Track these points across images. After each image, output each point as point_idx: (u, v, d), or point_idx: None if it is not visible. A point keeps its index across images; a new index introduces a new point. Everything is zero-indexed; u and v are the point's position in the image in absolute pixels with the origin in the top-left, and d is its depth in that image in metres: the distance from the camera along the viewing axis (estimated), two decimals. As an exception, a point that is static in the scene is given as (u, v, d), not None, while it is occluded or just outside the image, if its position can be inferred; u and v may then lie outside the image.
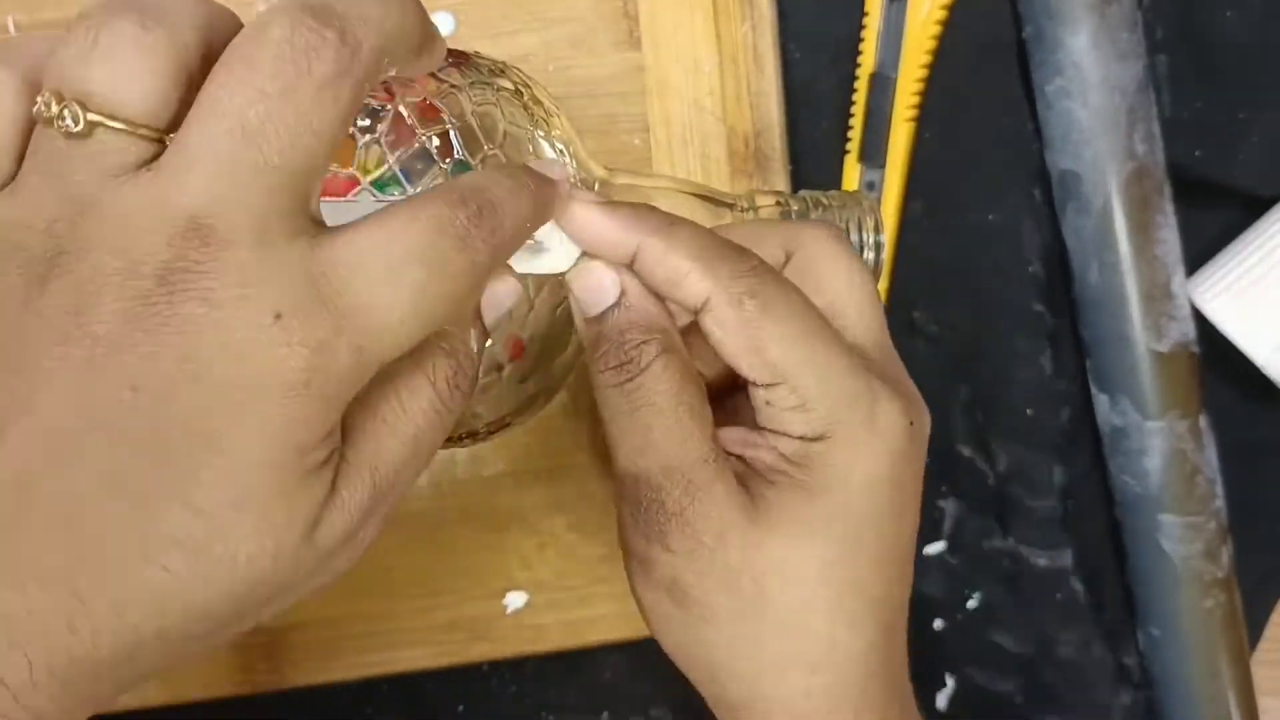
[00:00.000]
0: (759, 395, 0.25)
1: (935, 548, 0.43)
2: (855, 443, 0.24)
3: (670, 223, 0.25)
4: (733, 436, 0.26)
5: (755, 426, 0.26)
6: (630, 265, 0.25)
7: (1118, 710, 0.44)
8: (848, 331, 0.26)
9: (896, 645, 0.26)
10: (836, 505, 0.24)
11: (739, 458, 0.26)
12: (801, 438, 0.24)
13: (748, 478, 0.25)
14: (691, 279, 0.24)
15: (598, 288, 0.25)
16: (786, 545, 0.24)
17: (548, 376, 0.30)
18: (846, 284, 0.27)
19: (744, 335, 0.24)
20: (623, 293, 0.25)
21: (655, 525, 0.25)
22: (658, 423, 0.24)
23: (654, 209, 0.25)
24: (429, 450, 0.22)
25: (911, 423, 0.25)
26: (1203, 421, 0.41)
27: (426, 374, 0.21)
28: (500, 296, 0.23)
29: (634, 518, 0.25)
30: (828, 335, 0.25)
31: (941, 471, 0.43)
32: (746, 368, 0.24)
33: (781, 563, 0.24)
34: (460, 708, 0.41)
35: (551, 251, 0.27)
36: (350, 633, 0.38)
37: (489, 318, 0.23)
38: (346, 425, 0.20)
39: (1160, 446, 0.41)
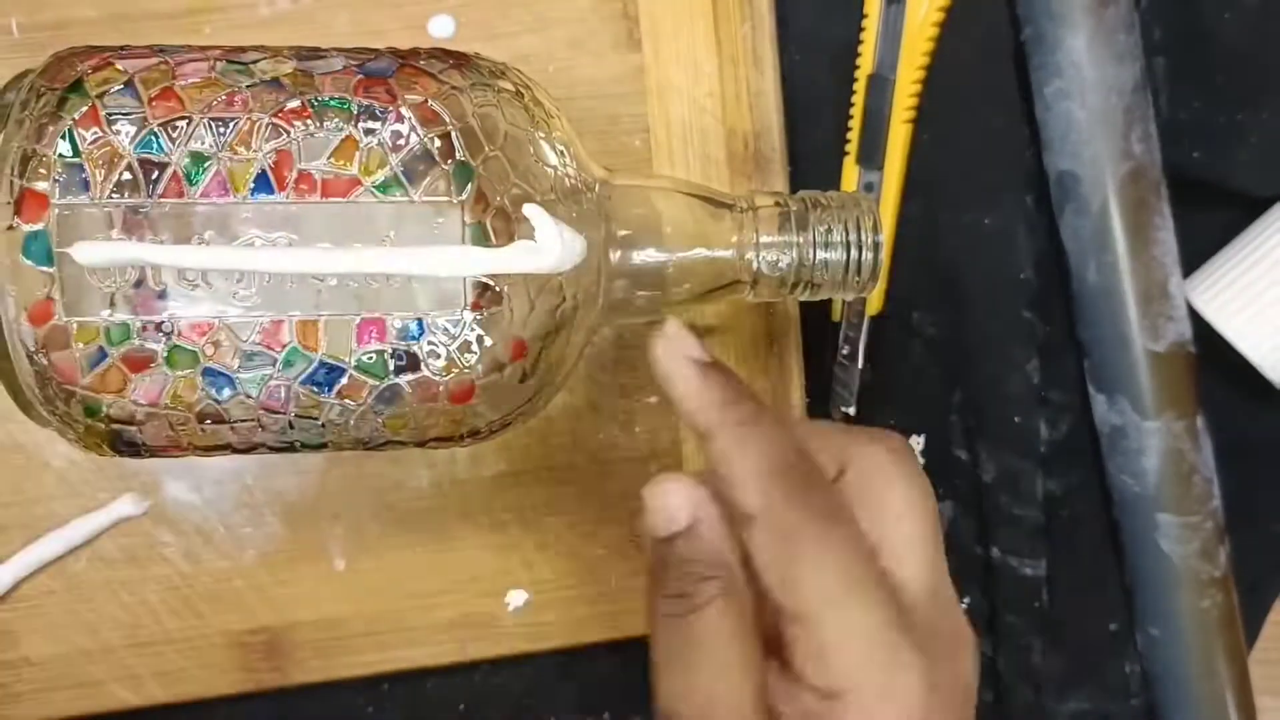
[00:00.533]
0: (787, 628, 0.24)
1: None
2: (864, 710, 0.23)
3: (753, 419, 0.25)
4: (773, 685, 0.25)
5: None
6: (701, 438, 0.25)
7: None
8: (897, 570, 0.25)
9: None
10: None
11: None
12: (814, 690, 0.24)
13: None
14: (748, 491, 0.24)
15: (670, 511, 0.25)
16: None
17: (548, 376, 0.30)
18: (901, 516, 0.25)
19: (778, 567, 0.24)
20: (695, 520, 0.25)
21: None
22: (704, 668, 0.24)
23: (746, 390, 0.26)
24: None
25: (936, 686, 0.24)
26: (1200, 421, 0.41)
27: None
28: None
29: None
30: (863, 585, 0.24)
31: (937, 473, 0.43)
32: (774, 594, 0.24)
33: None
34: (461, 706, 0.41)
35: (551, 253, 0.27)
36: (351, 631, 0.38)
37: None
38: None
39: (1157, 446, 0.41)
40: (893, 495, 0.26)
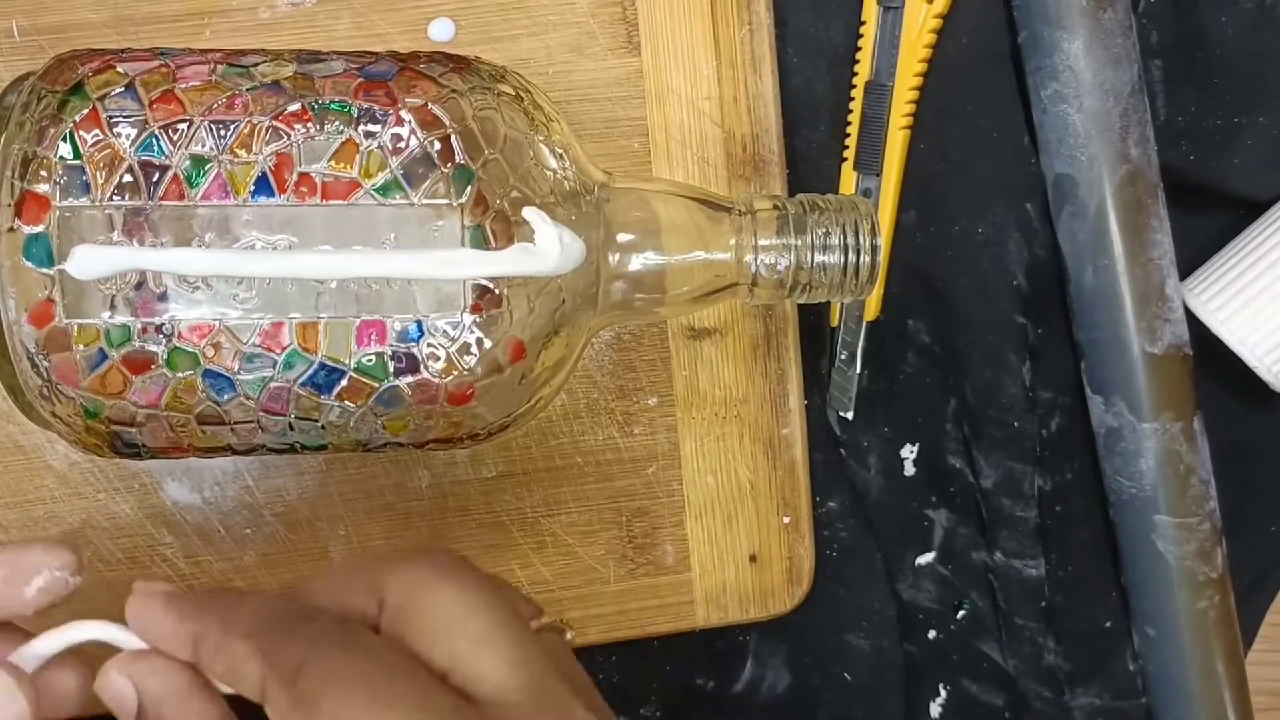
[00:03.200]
0: None
1: (926, 558, 0.44)
2: None
3: (236, 603, 0.23)
4: None
5: None
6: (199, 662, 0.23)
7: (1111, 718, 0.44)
8: (480, 684, 0.22)
9: None
10: None
11: None
12: None
13: None
14: (248, 664, 0.22)
15: (118, 697, 0.23)
16: None
17: (547, 378, 0.31)
18: (457, 621, 0.22)
19: (297, 717, 0.21)
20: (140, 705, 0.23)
21: None
22: None
23: (230, 592, 0.24)
24: None
25: None
26: (1196, 423, 0.41)
27: None
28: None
29: None
30: (398, 707, 0.20)
31: (931, 482, 0.43)
32: None
33: None
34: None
35: (550, 256, 0.27)
36: (351, 632, 0.38)
37: None
38: None
39: (1154, 448, 0.41)
40: (442, 605, 0.22)
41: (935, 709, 0.44)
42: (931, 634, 0.44)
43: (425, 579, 0.23)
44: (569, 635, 0.24)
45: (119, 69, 0.27)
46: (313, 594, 0.24)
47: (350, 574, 0.24)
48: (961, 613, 0.44)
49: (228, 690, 0.23)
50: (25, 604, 0.24)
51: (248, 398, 0.28)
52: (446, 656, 0.22)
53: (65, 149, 0.26)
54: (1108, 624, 0.44)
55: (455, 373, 0.28)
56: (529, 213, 0.27)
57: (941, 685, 0.44)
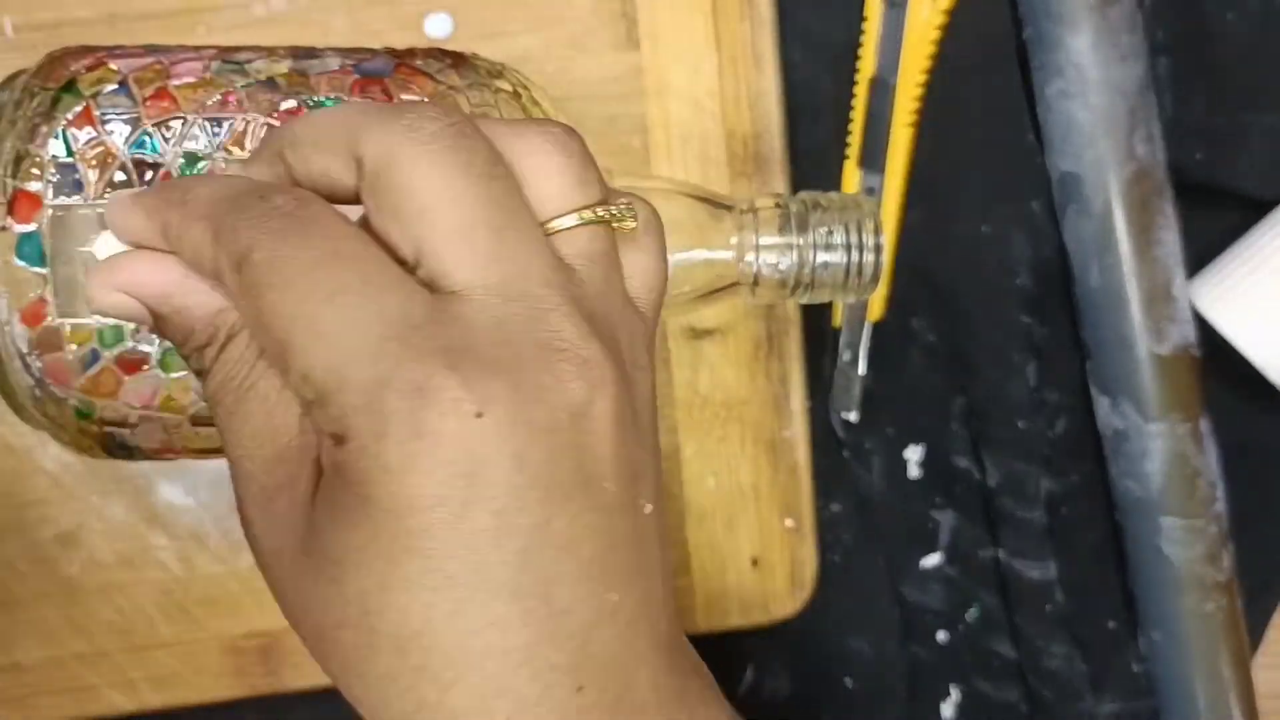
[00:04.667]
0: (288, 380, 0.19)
1: (933, 560, 0.43)
2: (386, 458, 0.18)
3: (197, 183, 0.20)
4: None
5: None
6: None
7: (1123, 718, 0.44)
8: (445, 278, 0.19)
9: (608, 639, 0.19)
10: (388, 543, 0.18)
11: None
12: (328, 434, 0.19)
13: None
14: (204, 248, 0.19)
15: (124, 312, 0.21)
16: (334, 584, 0.19)
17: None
18: (429, 208, 0.19)
19: (246, 308, 0.19)
20: (151, 309, 0.21)
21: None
22: (230, 421, 0.20)
23: (198, 177, 0.22)
24: None
25: (483, 415, 0.18)
26: (1203, 424, 0.41)
27: None
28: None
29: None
30: (351, 298, 0.18)
31: (937, 483, 0.43)
32: (259, 340, 0.20)
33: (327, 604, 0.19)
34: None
35: None
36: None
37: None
38: None
39: (1161, 449, 0.40)
40: (420, 185, 0.19)
41: (948, 709, 0.44)
42: (941, 635, 0.44)
43: (409, 146, 0.19)
44: (630, 225, 0.21)
45: (112, 66, 0.27)
46: (284, 143, 0.21)
47: (329, 125, 0.20)
48: (970, 611, 0.43)
49: None
50: None
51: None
52: (413, 246, 0.19)
53: (58, 147, 0.26)
54: (1112, 626, 0.44)
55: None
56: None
57: (953, 686, 0.44)
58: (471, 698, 0.18)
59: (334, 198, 0.20)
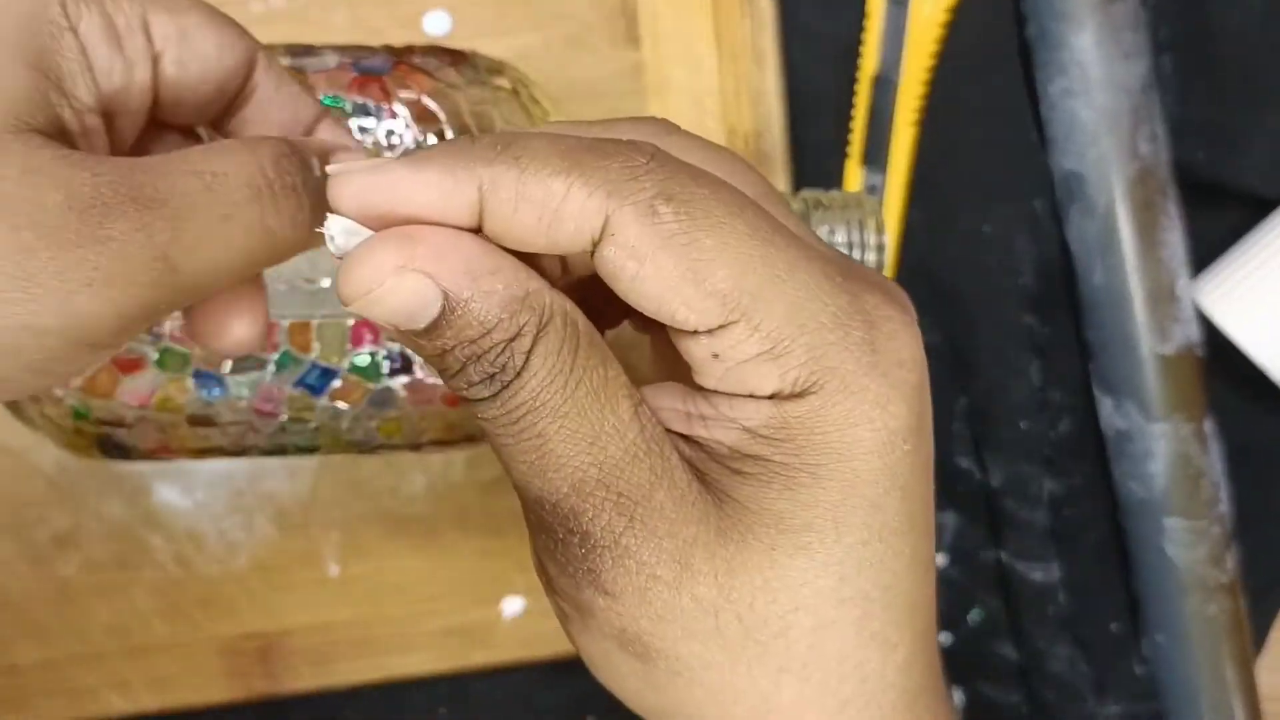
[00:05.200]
0: (700, 348, 0.17)
1: (935, 562, 0.43)
2: (855, 392, 0.17)
3: (512, 139, 0.17)
4: (671, 407, 0.19)
5: (697, 389, 0.18)
6: (479, 228, 0.17)
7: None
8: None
9: (932, 650, 0.20)
10: (842, 492, 0.17)
11: (684, 438, 0.18)
12: (775, 396, 0.17)
13: (703, 467, 0.18)
14: (575, 199, 0.16)
15: (410, 303, 0.17)
16: (778, 562, 0.17)
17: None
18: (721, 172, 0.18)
19: (672, 260, 0.16)
20: (447, 294, 0.16)
21: (582, 564, 0.18)
22: (554, 427, 0.17)
23: (475, 138, 0.18)
24: (228, 197, 0.17)
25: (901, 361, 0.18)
26: (1207, 425, 0.41)
27: (250, 144, 0.18)
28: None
29: (551, 553, 0.18)
30: (785, 237, 0.17)
31: (939, 484, 0.43)
32: (683, 309, 0.17)
33: (775, 586, 0.17)
34: (442, 710, 0.40)
35: None
36: (346, 638, 0.38)
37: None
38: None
39: (1164, 450, 0.40)
40: (706, 157, 0.18)
41: (949, 712, 0.44)
42: (943, 637, 0.43)
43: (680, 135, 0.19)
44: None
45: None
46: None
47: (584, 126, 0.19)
48: (972, 613, 0.43)
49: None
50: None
51: (239, 398, 0.27)
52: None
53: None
54: (1115, 628, 0.44)
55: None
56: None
57: (955, 688, 0.44)
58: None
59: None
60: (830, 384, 0.17)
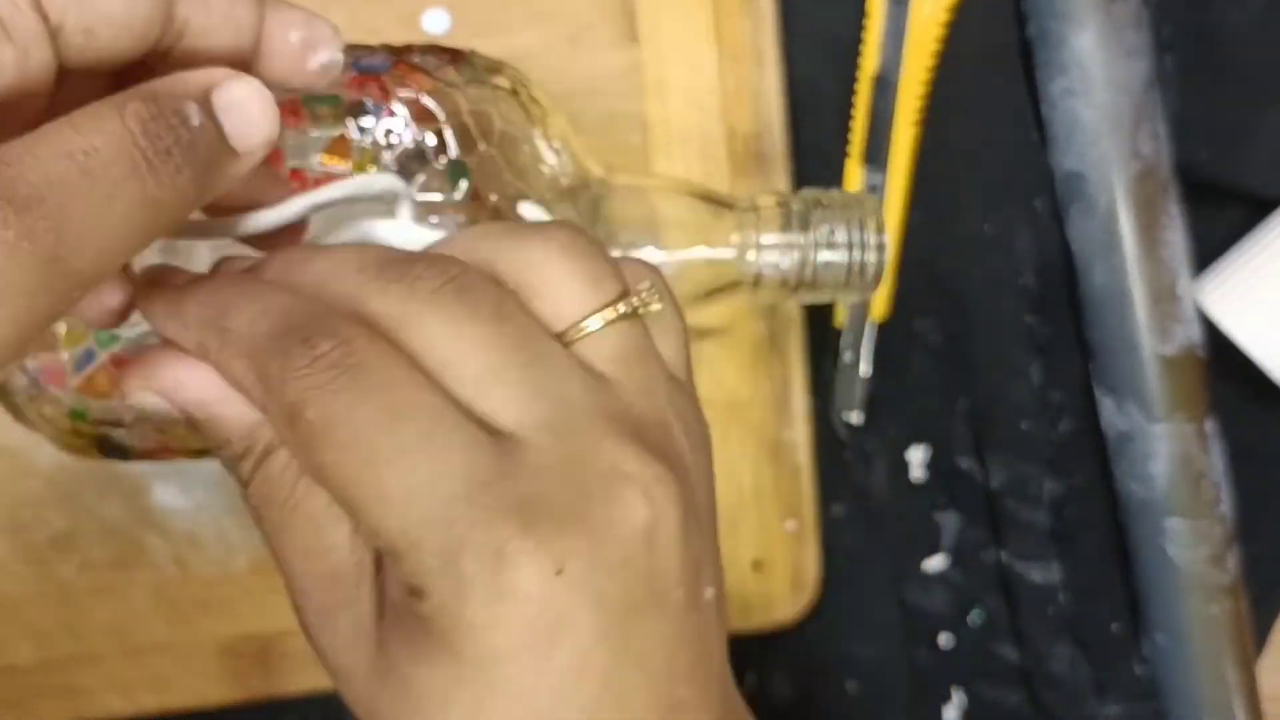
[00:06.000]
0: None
1: (936, 562, 0.43)
2: (469, 617, 0.18)
3: (240, 299, 0.19)
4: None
5: None
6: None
7: None
8: (491, 411, 0.19)
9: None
10: (469, 684, 0.18)
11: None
12: (404, 586, 0.19)
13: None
14: (249, 388, 0.19)
15: (156, 408, 0.20)
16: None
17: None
18: (457, 360, 0.19)
19: (301, 458, 0.19)
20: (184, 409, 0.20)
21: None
22: (277, 536, 0.20)
23: (247, 279, 0.20)
24: (106, 177, 0.17)
25: (562, 571, 0.18)
26: (1209, 425, 0.41)
27: (113, 104, 0.17)
28: (239, 97, 0.19)
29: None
30: (418, 455, 0.18)
31: (940, 484, 0.43)
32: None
33: None
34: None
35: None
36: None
37: (230, 120, 0.19)
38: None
39: (1166, 450, 0.40)
40: (430, 336, 0.19)
41: (950, 713, 0.44)
42: (943, 638, 0.43)
43: (412, 307, 0.19)
44: (655, 307, 0.21)
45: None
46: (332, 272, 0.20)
47: (333, 295, 0.20)
48: (973, 614, 0.43)
49: None
50: (307, 76, 0.20)
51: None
52: (458, 388, 0.19)
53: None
54: (1116, 628, 0.44)
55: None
56: (525, 208, 0.27)
57: (955, 690, 0.44)
58: None
59: None
60: (438, 598, 0.18)
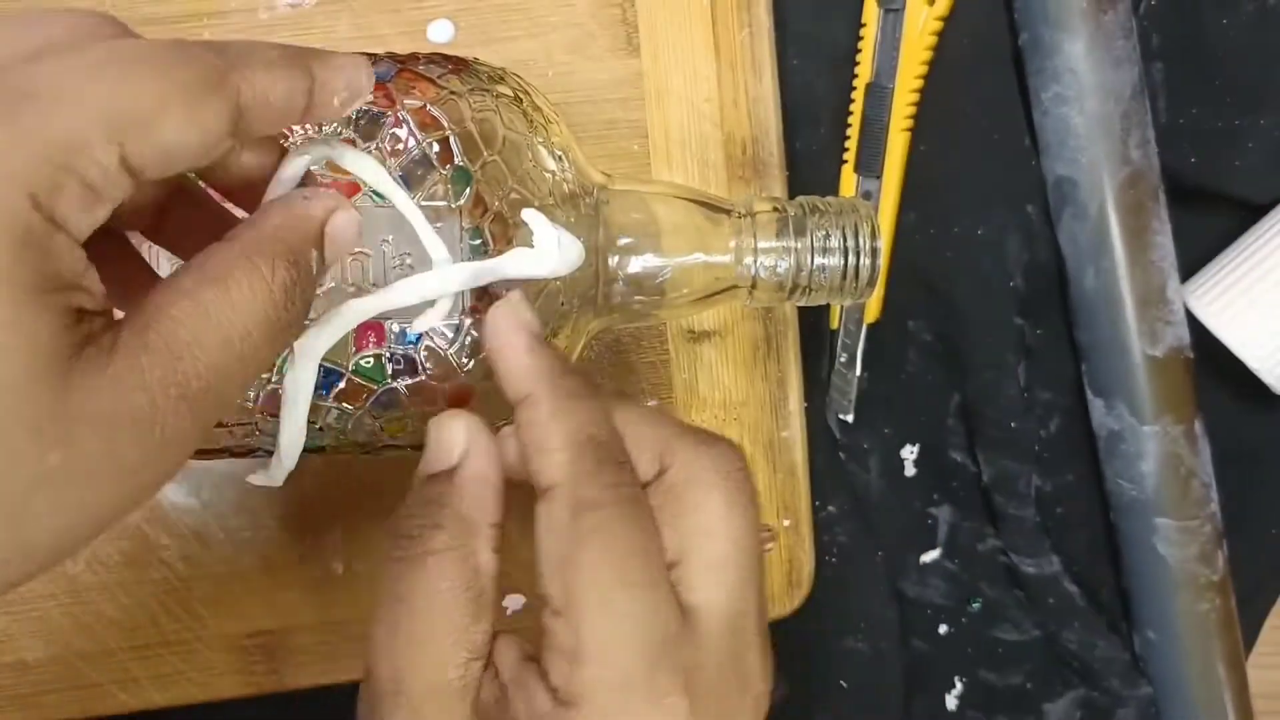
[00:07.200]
0: (545, 615, 0.22)
1: (932, 555, 0.43)
2: None
3: (581, 392, 0.23)
4: (509, 662, 0.23)
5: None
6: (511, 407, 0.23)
7: (1131, 700, 0.44)
8: (690, 593, 0.22)
9: None
10: None
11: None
12: (554, 693, 0.21)
13: None
14: (554, 457, 0.22)
15: (446, 444, 0.24)
16: None
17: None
18: (712, 534, 0.23)
19: (560, 545, 0.22)
20: (464, 464, 0.23)
21: None
22: (406, 622, 0.22)
23: (576, 371, 0.24)
24: (254, 359, 0.19)
25: None
26: (1197, 426, 0.41)
27: (263, 274, 0.19)
28: (341, 226, 0.22)
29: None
30: (644, 591, 0.21)
31: (933, 479, 0.43)
32: (545, 579, 0.22)
33: None
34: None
35: (549, 257, 0.27)
36: (350, 635, 0.38)
37: (329, 250, 0.22)
38: (151, 304, 0.18)
39: (1155, 451, 0.41)
40: (709, 508, 0.23)
41: (952, 701, 0.44)
42: (943, 629, 0.44)
43: (708, 475, 0.23)
44: (768, 547, 0.25)
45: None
46: (612, 424, 0.23)
47: (651, 427, 0.24)
48: (973, 604, 0.43)
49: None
50: (334, 111, 0.22)
51: (245, 400, 0.28)
52: (681, 552, 0.22)
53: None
54: (1106, 624, 0.44)
55: (454, 375, 0.28)
56: (528, 214, 0.27)
57: (957, 678, 0.44)
58: None
59: None
60: (584, 712, 0.21)
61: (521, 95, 0.30)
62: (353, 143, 0.26)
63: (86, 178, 0.17)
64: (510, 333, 0.24)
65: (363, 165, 0.25)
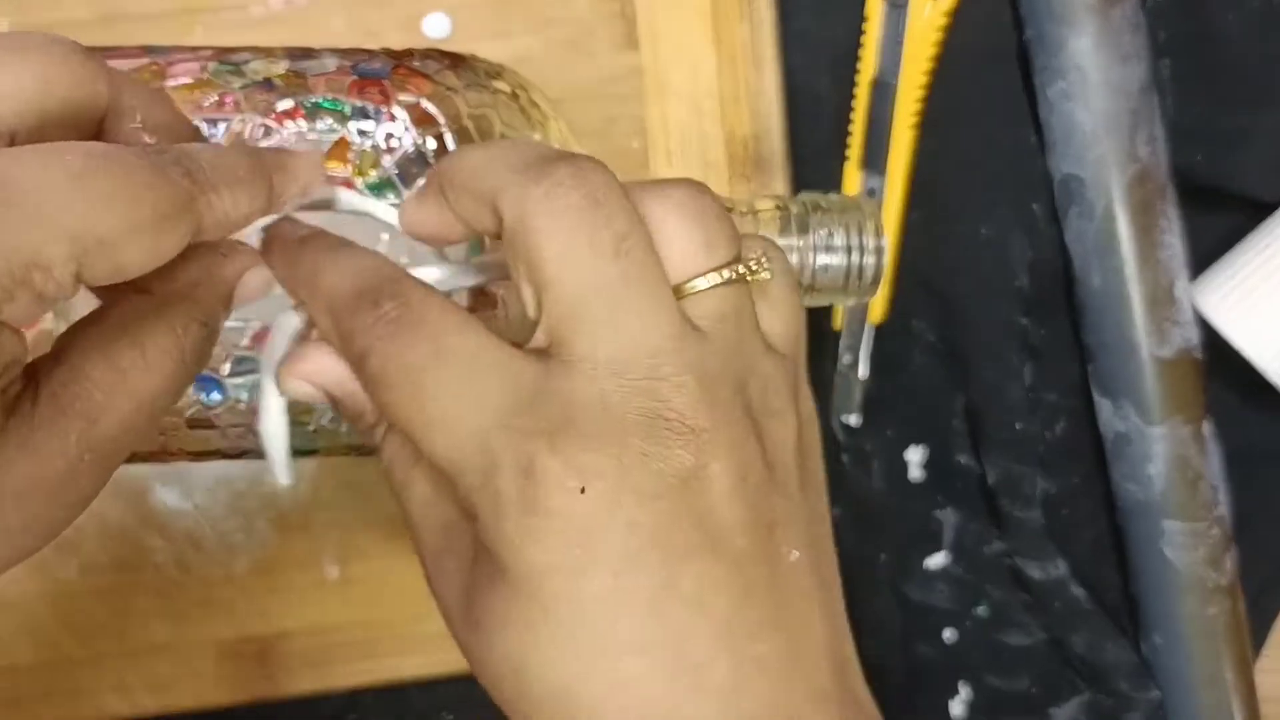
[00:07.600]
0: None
1: (938, 559, 0.43)
2: (506, 533, 0.19)
3: (321, 261, 0.22)
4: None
5: None
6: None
7: (1139, 704, 0.44)
8: (552, 323, 0.21)
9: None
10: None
11: None
12: (464, 510, 0.21)
13: None
14: (332, 340, 0.22)
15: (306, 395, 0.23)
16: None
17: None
18: (556, 282, 0.20)
19: (377, 405, 0.21)
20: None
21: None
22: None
23: (327, 240, 0.23)
24: (160, 412, 0.20)
25: (586, 490, 0.19)
26: (1206, 427, 0.41)
27: (178, 335, 0.20)
28: (250, 286, 0.22)
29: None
30: (458, 388, 0.20)
31: (938, 482, 0.43)
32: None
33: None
34: (447, 715, 0.40)
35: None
36: (343, 640, 0.38)
37: (234, 305, 0.22)
38: (68, 363, 0.19)
39: (1163, 452, 0.40)
40: (544, 247, 0.20)
41: (957, 707, 0.44)
42: (948, 634, 0.43)
43: (541, 215, 0.20)
44: (764, 276, 0.22)
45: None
46: (444, 181, 0.22)
47: (476, 175, 0.21)
48: (979, 608, 0.43)
49: None
50: (279, 207, 0.22)
51: (238, 401, 0.27)
52: (536, 308, 0.21)
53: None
54: (1114, 627, 0.44)
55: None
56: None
57: (961, 683, 0.44)
58: None
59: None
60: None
61: (519, 91, 0.30)
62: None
63: (39, 290, 0.17)
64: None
65: (336, 194, 0.25)
